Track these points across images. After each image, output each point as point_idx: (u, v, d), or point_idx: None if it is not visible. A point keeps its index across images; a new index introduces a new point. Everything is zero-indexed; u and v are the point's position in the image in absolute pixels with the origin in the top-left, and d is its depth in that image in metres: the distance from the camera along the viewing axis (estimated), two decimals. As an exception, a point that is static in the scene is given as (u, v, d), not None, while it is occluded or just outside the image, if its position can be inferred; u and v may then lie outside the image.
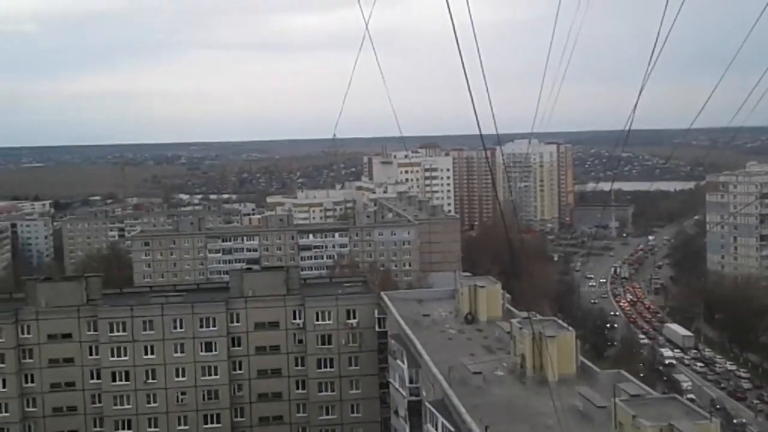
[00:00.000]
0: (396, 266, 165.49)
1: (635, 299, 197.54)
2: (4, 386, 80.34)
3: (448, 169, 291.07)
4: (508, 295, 75.86)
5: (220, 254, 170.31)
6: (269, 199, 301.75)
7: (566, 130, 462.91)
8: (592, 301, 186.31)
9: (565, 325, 60.76)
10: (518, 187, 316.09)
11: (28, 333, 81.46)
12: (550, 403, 44.34)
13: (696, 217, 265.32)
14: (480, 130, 22.93)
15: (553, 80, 29.34)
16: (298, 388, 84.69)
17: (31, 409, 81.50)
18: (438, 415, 52.00)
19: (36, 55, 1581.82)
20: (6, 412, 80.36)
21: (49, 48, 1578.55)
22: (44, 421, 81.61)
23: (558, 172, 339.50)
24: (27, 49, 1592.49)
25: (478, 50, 21.54)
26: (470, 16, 20.82)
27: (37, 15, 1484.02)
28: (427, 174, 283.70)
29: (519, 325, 57.25)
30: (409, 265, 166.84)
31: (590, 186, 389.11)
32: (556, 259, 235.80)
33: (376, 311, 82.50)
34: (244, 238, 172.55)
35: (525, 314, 61.87)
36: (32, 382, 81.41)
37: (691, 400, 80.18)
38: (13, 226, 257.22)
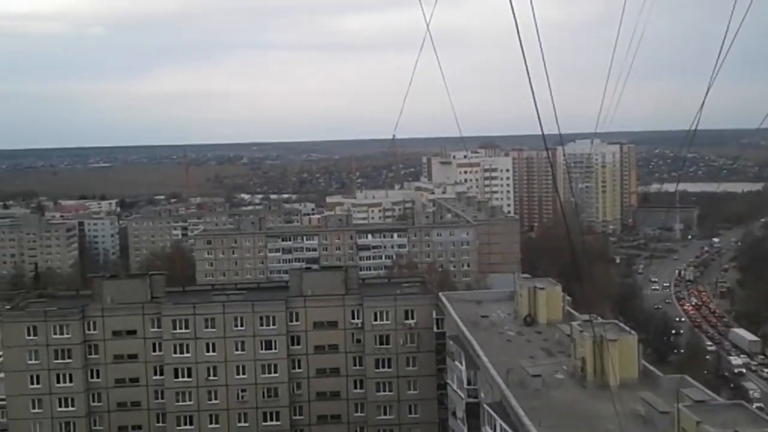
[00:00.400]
0: (454, 267, 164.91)
1: (700, 303, 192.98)
2: (71, 381, 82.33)
3: (507, 170, 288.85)
4: (568, 298, 74.85)
5: (280, 253, 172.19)
6: (329, 199, 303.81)
7: (629, 130, 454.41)
8: (656, 306, 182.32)
9: (627, 328, 59.71)
10: (579, 188, 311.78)
11: (94, 329, 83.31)
12: (611, 407, 43.63)
13: (764, 219, 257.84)
14: (542, 130, 22.62)
15: (617, 79, 28.79)
16: (356, 388, 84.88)
17: (96, 404, 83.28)
18: (496, 417, 51.63)
19: (103, 57, 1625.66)
20: (73, 406, 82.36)
21: (115, 50, 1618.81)
22: (109, 416, 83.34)
23: (621, 173, 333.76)
24: (95, 51, 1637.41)
25: (541, 49, 21.24)
26: (533, 14, 20.57)
27: (105, 18, 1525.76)
28: (487, 174, 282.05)
29: (580, 328, 56.48)
30: (468, 266, 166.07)
31: (654, 187, 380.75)
32: (618, 261, 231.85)
33: (434, 312, 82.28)
34: (304, 237, 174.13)
35: (586, 317, 60.93)
36: (98, 377, 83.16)
37: (759, 408, 77.99)
38: (81, 224, 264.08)
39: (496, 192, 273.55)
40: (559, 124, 23.68)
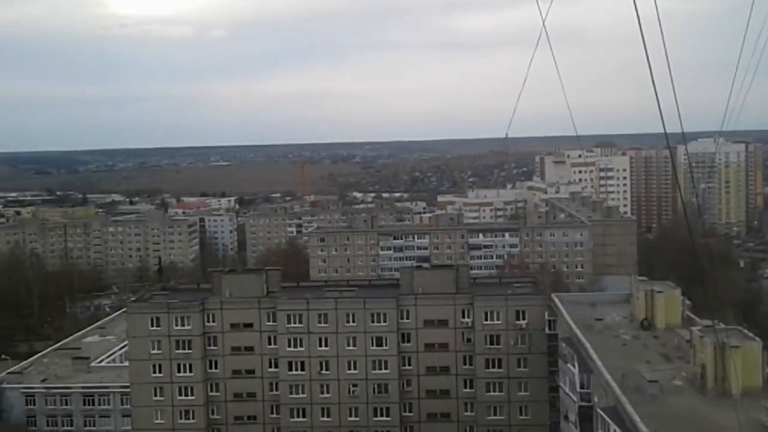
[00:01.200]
0: (567, 268, 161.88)
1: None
2: (190, 371, 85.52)
3: (624, 169, 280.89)
4: (688, 302, 72.18)
5: (391, 251, 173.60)
6: (440, 198, 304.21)
7: (756, 128, 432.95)
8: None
9: (752, 335, 57.07)
10: (701, 189, 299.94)
11: (213, 321, 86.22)
12: (733, 416, 41.92)
13: None
14: (664, 128, 22.04)
15: (744, 74, 27.59)
16: (465, 387, 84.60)
17: (214, 394, 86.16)
18: (610, 422, 50.41)
19: (224, 59, 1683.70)
20: (192, 395, 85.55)
21: (236, 52, 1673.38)
22: (226, 406, 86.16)
23: (746, 173, 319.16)
24: (216, 54, 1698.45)
25: (663, 43, 20.74)
26: (656, 7, 20.05)
27: (226, 21, 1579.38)
28: (602, 174, 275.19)
29: (700, 334, 54.39)
30: (582, 268, 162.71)
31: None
32: (742, 265, 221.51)
33: (546, 313, 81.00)
34: (415, 236, 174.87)
35: (707, 322, 58.61)
36: (216, 368, 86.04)
37: None
38: (202, 220, 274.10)
39: (612, 192, 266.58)
40: (682, 121, 23.00)
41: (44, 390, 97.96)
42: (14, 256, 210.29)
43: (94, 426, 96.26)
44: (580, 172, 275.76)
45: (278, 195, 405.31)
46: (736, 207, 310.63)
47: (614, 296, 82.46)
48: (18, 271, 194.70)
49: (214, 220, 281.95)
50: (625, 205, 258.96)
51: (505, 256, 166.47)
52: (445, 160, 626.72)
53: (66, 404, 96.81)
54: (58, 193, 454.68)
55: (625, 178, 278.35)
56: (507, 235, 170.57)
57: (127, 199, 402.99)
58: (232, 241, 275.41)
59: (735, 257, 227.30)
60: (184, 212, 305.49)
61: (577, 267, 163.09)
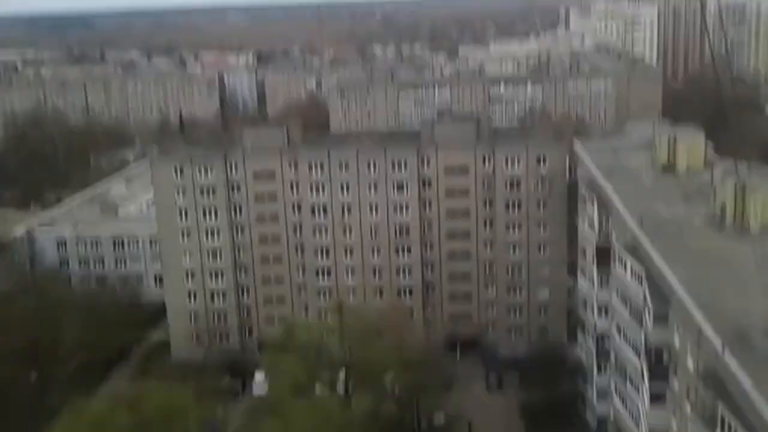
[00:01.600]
0: (590, 118, 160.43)
1: None
2: (215, 217, 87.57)
3: (652, 20, 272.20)
4: (711, 144, 71.65)
5: (411, 104, 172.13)
6: (461, 51, 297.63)
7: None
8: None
9: (773, 174, 57.08)
10: (730, 39, 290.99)
11: (236, 172, 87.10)
12: (749, 251, 42.56)
13: None
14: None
15: None
16: (485, 229, 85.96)
17: (240, 238, 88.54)
18: (627, 255, 51.43)
19: None
20: (218, 239, 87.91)
21: None
22: (252, 248, 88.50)
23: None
24: None
25: None
26: None
27: None
28: (629, 25, 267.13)
29: (721, 175, 54.45)
30: (605, 117, 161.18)
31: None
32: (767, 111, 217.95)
33: (567, 159, 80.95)
34: (436, 86, 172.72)
35: (729, 164, 58.46)
36: (240, 214, 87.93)
37: None
38: (221, 76, 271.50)
39: (638, 43, 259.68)
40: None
41: (75, 237, 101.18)
42: (37, 112, 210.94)
43: (125, 268, 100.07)
44: (605, 23, 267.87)
45: (297, 50, 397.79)
46: (765, 57, 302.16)
47: (637, 142, 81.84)
48: (41, 127, 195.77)
49: (234, 76, 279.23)
50: (651, 56, 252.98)
51: (527, 107, 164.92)
52: (467, 13, 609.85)
53: (97, 249, 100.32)
54: (75, 52, 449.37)
55: (652, 29, 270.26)
56: (529, 86, 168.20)
57: (145, 56, 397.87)
58: (252, 96, 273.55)
59: (762, 103, 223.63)
60: (202, 68, 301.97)
61: (600, 116, 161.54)
